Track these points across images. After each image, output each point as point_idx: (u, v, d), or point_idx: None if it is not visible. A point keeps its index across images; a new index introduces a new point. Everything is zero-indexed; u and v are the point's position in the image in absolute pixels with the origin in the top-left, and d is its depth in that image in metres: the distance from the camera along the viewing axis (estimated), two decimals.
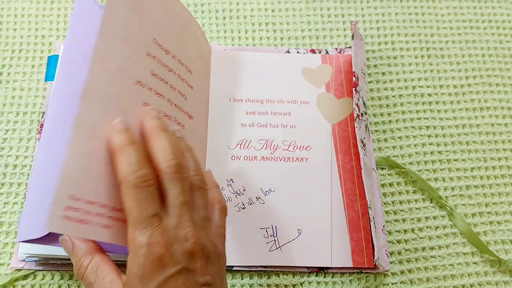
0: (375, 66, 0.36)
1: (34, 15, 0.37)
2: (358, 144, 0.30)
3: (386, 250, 0.29)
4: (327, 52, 0.36)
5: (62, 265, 0.28)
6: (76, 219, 0.20)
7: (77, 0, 0.26)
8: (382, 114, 0.35)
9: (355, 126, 0.30)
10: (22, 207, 0.30)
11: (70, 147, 0.20)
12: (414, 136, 0.34)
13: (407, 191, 0.32)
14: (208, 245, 0.21)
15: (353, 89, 0.32)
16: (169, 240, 0.19)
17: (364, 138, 0.31)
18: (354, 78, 0.31)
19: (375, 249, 0.27)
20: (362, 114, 0.32)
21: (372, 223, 0.28)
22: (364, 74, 0.35)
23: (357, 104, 0.31)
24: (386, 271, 0.29)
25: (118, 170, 0.21)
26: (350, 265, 0.29)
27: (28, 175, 0.31)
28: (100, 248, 0.22)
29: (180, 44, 0.29)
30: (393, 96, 0.35)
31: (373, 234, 0.27)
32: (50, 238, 0.21)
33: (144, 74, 0.25)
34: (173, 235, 0.20)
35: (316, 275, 0.29)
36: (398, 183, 0.32)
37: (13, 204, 0.30)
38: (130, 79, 0.24)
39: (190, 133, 0.29)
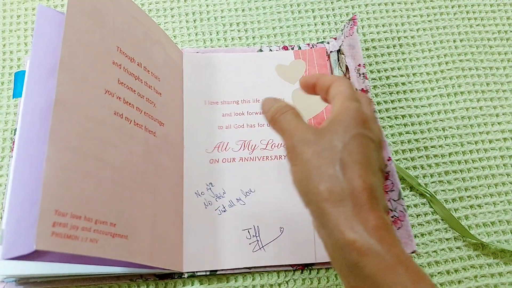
0: None
1: (0, 30, 0.36)
2: None
3: None
4: (299, 48, 0.36)
5: (42, 283, 0.28)
6: (65, 234, 0.20)
7: (38, 11, 0.26)
8: None
9: None
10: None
11: (48, 161, 0.20)
12: (390, 126, 0.34)
13: None
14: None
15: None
16: (370, 116, 0.21)
17: None
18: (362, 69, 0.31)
19: None
20: None
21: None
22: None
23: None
24: None
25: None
26: None
27: (4, 194, 0.31)
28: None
29: (144, 51, 0.29)
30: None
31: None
32: (39, 253, 0.20)
33: (112, 82, 0.25)
34: (372, 116, 0.22)
35: (301, 272, 0.29)
36: None
37: None
38: (99, 88, 0.24)
39: (163, 140, 0.29)
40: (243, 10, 0.38)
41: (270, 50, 0.36)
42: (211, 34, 0.37)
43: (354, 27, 0.33)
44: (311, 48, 0.36)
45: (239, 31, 0.37)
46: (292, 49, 0.36)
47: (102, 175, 0.23)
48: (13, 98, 0.34)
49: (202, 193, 0.30)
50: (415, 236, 0.30)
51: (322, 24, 0.37)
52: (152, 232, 0.26)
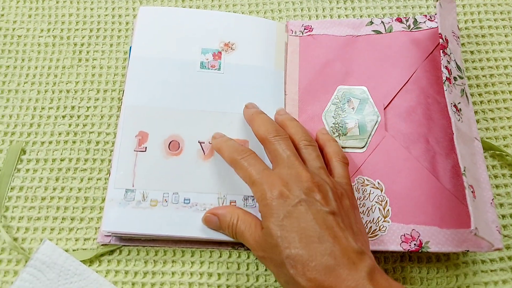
0: (462, 45, 0.35)
1: None
2: (450, 108, 0.27)
3: (497, 226, 0.26)
4: (415, 20, 0.34)
5: (146, 241, 0.28)
6: None
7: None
8: (472, 95, 0.33)
9: (445, 89, 0.28)
10: (106, 183, 0.30)
11: None
12: (508, 118, 0.32)
13: (503, 175, 0.30)
14: (324, 184, 0.24)
15: (441, 51, 0.29)
16: (285, 180, 0.23)
17: (459, 103, 0.29)
18: (441, 40, 0.30)
19: (472, 219, 0.23)
20: (455, 78, 0.30)
21: (467, 191, 0.24)
22: (458, 37, 0.32)
23: (446, 67, 0.29)
24: (499, 249, 0.25)
25: (225, 158, 0.27)
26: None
27: (111, 152, 0.31)
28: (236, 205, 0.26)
29: None
30: (483, 76, 0.33)
31: (469, 202, 0.24)
32: None
33: None
34: (287, 177, 0.23)
35: (410, 260, 0.28)
36: (493, 166, 0.31)
37: (97, 180, 0.30)
38: None
39: None
40: None
41: (382, 22, 0.34)
42: (316, 11, 0.36)
43: None
44: (428, 19, 0.33)
45: (346, 9, 0.36)
46: (407, 21, 0.34)
47: None
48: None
49: None
50: None
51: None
52: None
